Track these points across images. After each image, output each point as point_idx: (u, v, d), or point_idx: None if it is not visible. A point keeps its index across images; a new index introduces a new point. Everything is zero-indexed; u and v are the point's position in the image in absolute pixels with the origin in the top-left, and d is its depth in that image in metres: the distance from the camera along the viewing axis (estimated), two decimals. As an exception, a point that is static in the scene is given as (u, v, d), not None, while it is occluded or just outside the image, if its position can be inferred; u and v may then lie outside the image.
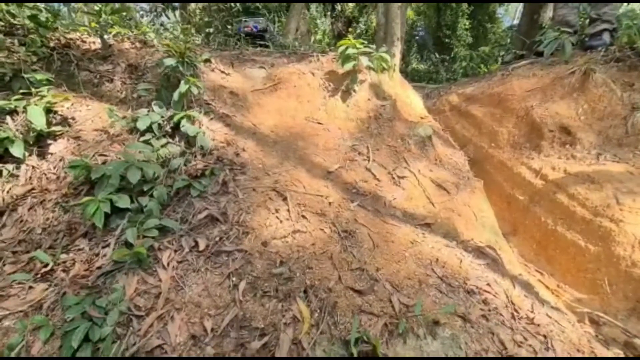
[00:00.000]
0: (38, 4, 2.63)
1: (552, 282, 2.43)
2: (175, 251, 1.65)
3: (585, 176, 2.52)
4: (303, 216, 1.94)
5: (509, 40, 9.18)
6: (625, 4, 4.23)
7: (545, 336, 1.58)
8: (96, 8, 2.87)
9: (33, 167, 2.01)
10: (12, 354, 1.24)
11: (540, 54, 3.93)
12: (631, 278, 2.05)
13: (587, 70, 3.03)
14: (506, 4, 12.08)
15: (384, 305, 1.54)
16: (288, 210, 1.95)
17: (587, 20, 4.00)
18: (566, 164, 2.73)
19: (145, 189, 1.90)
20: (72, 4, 4.70)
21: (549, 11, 5.19)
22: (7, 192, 1.89)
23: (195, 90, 2.42)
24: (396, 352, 1.37)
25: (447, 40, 10.74)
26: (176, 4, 6.92)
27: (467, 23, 10.71)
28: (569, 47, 3.42)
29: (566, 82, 3.15)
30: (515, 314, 1.68)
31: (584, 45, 3.69)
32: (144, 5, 6.95)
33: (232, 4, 6.56)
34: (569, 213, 2.47)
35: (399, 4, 4.03)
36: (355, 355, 1.29)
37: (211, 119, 2.57)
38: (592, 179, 2.47)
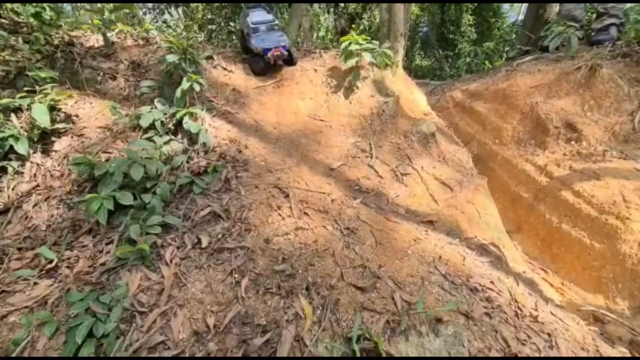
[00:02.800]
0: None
1: (557, 279, 2.41)
2: (178, 248, 1.66)
3: (591, 173, 2.50)
4: (305, 213, 1.94)
5: (514, 36, 9.07)
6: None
7: (549, 334, 1.57)
8: (99, 5, 2.87)
9: (37, 164, 2.03)
10: (18, 349, 1.25)
11: (545, 49, 3.88)
12: (637, 276, 2.03)
13: (593, 65, 2.98)
14: (511, -2, 11.92)
15: (386, 302, 1.53)
16: (290, 208, 1.95)
17: (594, 15, 3.94)
18: (571, 160, 2.70)
19: (148, 186, 1.91)
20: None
21: (555, 6, 5.11)
22: (12, 189, 1.91)
23: (197, 87, 2.41)
24: (398, 350, 1.37)
25: (451, 36, 10.66)
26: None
27: (472, 19, 10.62)
28: (575, 42, 3.37)
29: (572, 78, 3.11)
30: (518, 311, 1.67)
31: (591, 40, 3.64)
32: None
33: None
34: (574, 210, 2.44)
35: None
36: (357, 352, 1.29)
37: (214, 116, 2.57)
38: (598, 176, 2.44)
